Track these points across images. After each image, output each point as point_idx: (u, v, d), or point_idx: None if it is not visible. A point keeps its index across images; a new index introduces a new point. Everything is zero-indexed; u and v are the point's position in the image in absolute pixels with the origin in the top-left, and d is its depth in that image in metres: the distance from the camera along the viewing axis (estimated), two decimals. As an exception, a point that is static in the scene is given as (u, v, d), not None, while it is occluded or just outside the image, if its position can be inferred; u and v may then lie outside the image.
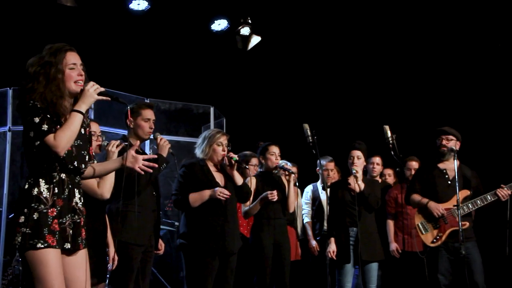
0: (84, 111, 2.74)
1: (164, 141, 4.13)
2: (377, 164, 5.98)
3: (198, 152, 4.44)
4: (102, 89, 2.81)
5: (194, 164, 4.38)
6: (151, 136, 4.18)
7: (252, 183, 4.90)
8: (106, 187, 3.49)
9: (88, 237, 2.92)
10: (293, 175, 4.97)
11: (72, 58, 2.78)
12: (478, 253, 4.57)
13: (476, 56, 7.08)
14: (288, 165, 5.51)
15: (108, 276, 3.95)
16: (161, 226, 5.66)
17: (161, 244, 4.30)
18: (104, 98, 2.86)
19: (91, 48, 6.50)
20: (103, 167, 3.03)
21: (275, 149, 5.03)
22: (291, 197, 4.96)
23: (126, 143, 3.88)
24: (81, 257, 2.80)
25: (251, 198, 4.84)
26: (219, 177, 4.42)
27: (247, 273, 5.24)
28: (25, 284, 5.30)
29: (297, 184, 5.22)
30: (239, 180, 4.46)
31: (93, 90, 2.77)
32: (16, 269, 5.39)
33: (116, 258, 3.78)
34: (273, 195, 4.75)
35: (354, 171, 4.88)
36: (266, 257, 4.80)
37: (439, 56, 7.38)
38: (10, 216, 5.75)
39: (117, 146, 3.62)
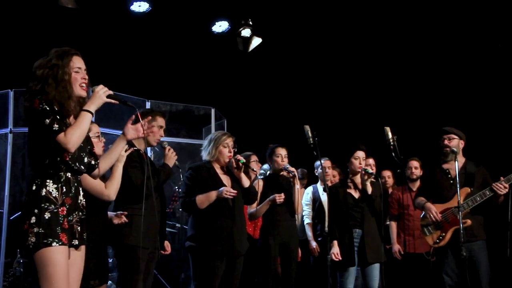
0: (93, 111, 2.84)
1: (172, 152, 4.12)
2: (373, 165, 5.97)
3: (205, 155, 4.45)
4: (111, 92, 2.93)
5: (201, 166, 4.38)
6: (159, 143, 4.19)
7: (259, 185, 4.93)
8: (113, 189, 3.53)
9: (89, 237, 2.95)
10: (295, 177, 4.97)
11: (77, 62, 2.87)
12: (485, 254, 4.51)
13: (476, 56, 7.08)
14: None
15: (113, 275, 3.96)
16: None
17: (168, 245, 4.31)
18: (113, 101, 2.98)
19: (92, 50, 6.51)
20: (110, 155, 3.22)
21: (281, 151, 5.04)
22: (296, 199, 4.96)
23: (135, 148, 3.90)
24: (80, 255, 2.86)
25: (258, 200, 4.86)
26: (225, 179, 4.41)
27: (250, 273, 5.25)
28: (25, 285, 5.31)
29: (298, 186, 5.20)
30: (246, 182, 4.46)
31: (103, 92, 2.88)
32: (17, 270, 5.39)
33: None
34: (281, 198, 4.77)
35: (370, 171, 4.89)
36: (271, 259, 4.81)
37: (440, 57, 7.38)
38: (12, 218, 5.76)
39: (126, 150, 3.64)
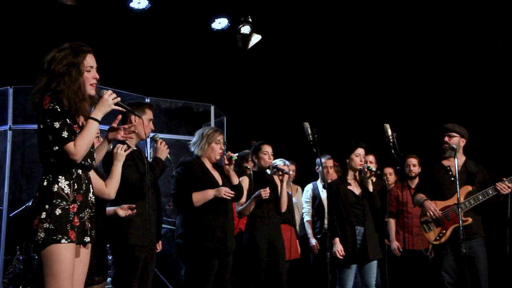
0: (100, 119, 2.81)
1: (164, 145, 4.12)
2: (371, 162, 5.99)
3: (196, 150, 4.44)
4: (119, 99, 2.89)
5: (192, 162, 4.37)
6: (151, 135, 4.18)
7: (245, 182, 4.91)
8: (113, 187, 3.54)
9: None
10: (286, 175, 4.97)
11: (90, 61, 2.85)
12: (484, 251, 4.52)
13: (476, 53, 7.08)
14: (286, 164, 5.51)
15: (109, 273, 3.95)
16: (162, 225, 5.65)
17: (159, 244, 4.29)
18: (120, 108, 2.96)
19: (92, 47, 6.47)
20: (99, 153, 3.10)
21: (268, 148, 5.02)
22: (283, 197, 4.96)
23: (135, 148, 3.91)
24: (86, 252, 2.85)
25: (245, 198, 4.85)
26: (216, 175, 4.42)
27: (247, 272, 5.24)
28: (25, 282, 5.31)
29: (290, 183, 5.20)
30: (234, 179, 4.47)
31: (111, 100, 2.84)
32: (16, 267, 5.39)
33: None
34: (266, 193, 4.73)
35: (372, 168, 4.91)
36: (260, 256, 4.80)
37: (440, 54, 7.38)
38: (11, 215, 5.76)
39: (125, 150, 3.64)
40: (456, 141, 4.70)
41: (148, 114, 4.10)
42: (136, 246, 3.82)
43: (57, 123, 2.67)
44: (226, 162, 4.41)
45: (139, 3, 7.08)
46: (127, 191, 3.79)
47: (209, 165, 4.42)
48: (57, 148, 2.67)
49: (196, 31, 7.75)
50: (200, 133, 4.47)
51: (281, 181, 4.96)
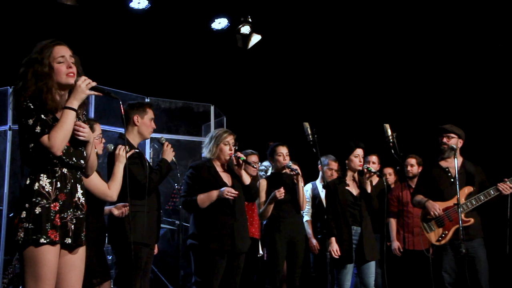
0: (76, 107, 2.71)
1: (170, 147, 4.18)
2: (373, 162, 5.99)
3: (206, 152, 4.46)
4: (94, 83, 2.77)
5: (201, 165, 4.39)
6: (155, 136, 4.21)
7: (263, 185, 4.97)
8: (116, 189, 3.54)
9: (89, 237, 2.92)
10: (299, 174, 5.00)
11: (60, 51, 2.78)
12: (484, 252, 4.54)
13: (475, 53, 7.08)
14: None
15: (112, 272, 3.96)
16: (162, 225, 5.66)
17: (155, 247, 4.30)
18: (96, 93, 2.82)
19: (92, 47, 6.50)
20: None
21: (282, 150, 5.07)
22: (300, 196, 5.02)
23: (137, 150, 3.92)
24: (79, 257, 2.78)
25: (263, 200, 4.91)
26: (226, 177, 4.42)
27: (248, 272, 5.25)
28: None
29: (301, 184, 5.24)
30: (246, 179, 4.47)
31: (85, 86, 2.73)
32: (16, 267, 5.39)
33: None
34: (281, 193, 4.78)
35: (371, 169, 4.94)
36: (279, 258, 4.83)
37: (439, 54, 7.38)
38: (11, 215, 5.76)
39: (127, 152, 3.64)
40: (454, 142, 4.70)
41: (149, 114, 4.12)
42: (140, 245, 3.82)
43: (30, 120, 2.63)
44: (235, 163, 4.43)
45: (139, 3, 7.07)
46: (133, 189, 3.78)
47: (219, 167, 4.44)
48: (32, 145, 2.63)
49: (196, 31, 7.74)
50: (210, 136, 4.51)
51: (297, 180, 4.99)
